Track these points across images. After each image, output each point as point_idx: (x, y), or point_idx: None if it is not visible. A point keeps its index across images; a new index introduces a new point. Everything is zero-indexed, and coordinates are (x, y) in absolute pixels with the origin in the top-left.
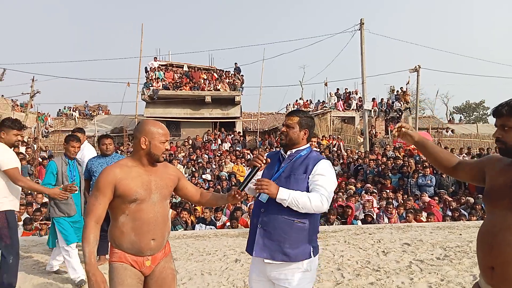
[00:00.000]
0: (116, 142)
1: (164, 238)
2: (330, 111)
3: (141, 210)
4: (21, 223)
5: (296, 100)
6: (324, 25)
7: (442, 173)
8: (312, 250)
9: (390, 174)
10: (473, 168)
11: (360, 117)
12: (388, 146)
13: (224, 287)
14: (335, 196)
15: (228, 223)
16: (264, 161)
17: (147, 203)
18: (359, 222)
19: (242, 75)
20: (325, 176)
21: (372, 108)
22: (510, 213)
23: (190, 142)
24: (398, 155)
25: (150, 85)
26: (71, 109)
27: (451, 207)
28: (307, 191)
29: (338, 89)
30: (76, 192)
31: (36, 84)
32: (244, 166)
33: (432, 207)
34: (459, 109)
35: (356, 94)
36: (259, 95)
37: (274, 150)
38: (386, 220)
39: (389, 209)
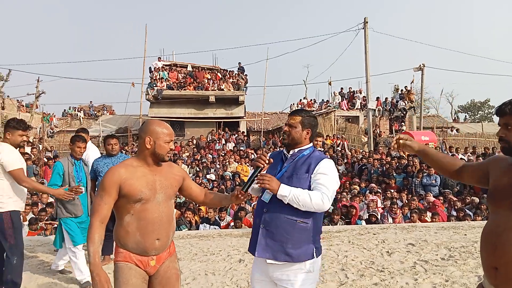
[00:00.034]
0: (120, 142)
1: (169, 238)
2: (334, 110)
3: (146, 210)
4: (26, 223)
5: (300, 100)
6: (328, 24)
7: (449, 177)
8: (314, 250)
9: (394, 174)
10: (477, 171)
11: (364, 116)
12: None
13: (228, 287)
14: (339, 196)
15: (232, 223)
16: (267, 161)
17: (152, 203)
18: (363, 222)
19: (246, 75)
20: (327, 175)
21: (377, 107)
22: None
23: (194, 142)
24: (403, 155)
25: (154, 85)
26: (76, 110)
27: (456, 207)
28: (309, 190)
29: (342, 88)
30: (82, 193)
31: (41, 84)
32: (248, 166)
33: (437, 207)
34: (464, 108)
35: (360, 93)
36: (263, 94)
37: (277, 150)
38: (390, 220)
39: (393, 209)
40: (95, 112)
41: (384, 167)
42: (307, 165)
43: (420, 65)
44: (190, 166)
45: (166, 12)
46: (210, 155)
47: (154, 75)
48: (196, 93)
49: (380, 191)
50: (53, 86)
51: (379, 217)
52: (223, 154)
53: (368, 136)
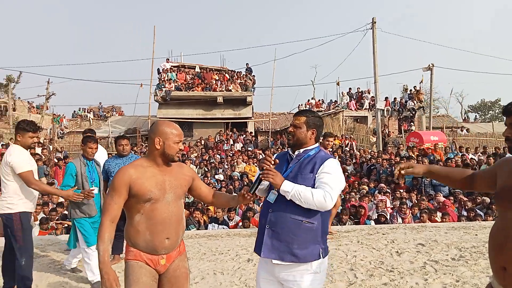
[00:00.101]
0: (129, 143)
1: (179, 237)
2: (343, 110)
3: (156, 209)
4: (37, 222)
5: (308, 100)
6: (336, 24)
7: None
8: (321, 251)
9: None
10: (487, 176)
11: (372, 116)
12: (402, 145)
13: (236, 287)
14: (347, 196)
15: (241, 223)
16: (273, 162)
17: (161, 202)
18: (372, 222)
19: (253, 76)
20: (330, 174)
21: (385, 107)
22: None
23: (203, 142)
24: (412, 155)
25: (163, 86)
26: (86, 111)
27: (466, 207)
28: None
29: (350, 88)
30: (94, 197)
31: (51, 86)
32: (256, 166)
33: (447, 207)
34: (474, 107)
35: (369, 93)
36: (270, 95)
37: (284, 150)
38: (399, 220)
39: (402, 209)
40: (105, 113)
41: (393, 167)
42: (312, 165)
43: (429, 65)
44: (198, 167)
45: (175, 13)
46: (218, 156)
47: (163, 76)
48: (204, 94)
49: (389, 191)
50: (63, 87)
51: (388, 217)
52: (231, 155)
53: (377, 136)
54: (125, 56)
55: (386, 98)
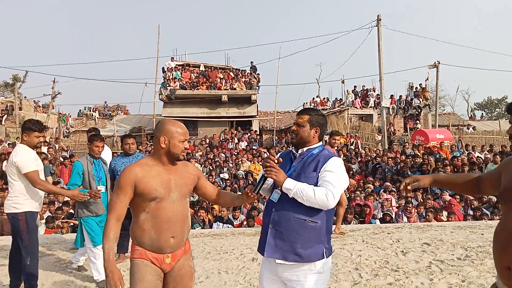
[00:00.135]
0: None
1: (184, 236)
2: (348, 108)
3: (161, 208)
4: (43, 221)
5: (313, 98)
6: (341, 22)
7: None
8: (325, 250)
9: (409, 172)
10: (492, 178)
11: (378, 114)
12: (407, 144)
13: (241, 286)
14: (352, 195)
15: (246, 222)
16: (276, 161)
17: (166, 201)
18: (378, 221)
19: (258, 74)
20: (333, 173)
21: (391, 105)
22: None
23: (207, 141)
24: (418, 153)
25: (168, 85)
26: (91, 110)
27: (472, 206)
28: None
29: (355, 86)
30: (101, 197)
31: (57, 85)
32: (260, 164)
33: (453, 206)
34: (481, 105)
35: (374, 91)
36: (275, 93)
37: (288, 149)
38: (405, 219)
39: (408, 208)
40: (110, 112)
41: (399, 166)
42: (315, 163)
43: (435, 62)
44: (203, 165)
45: (179, 12)
46: (223, 154)
47: (167, 75)
48: (209, 92)
49: (394, 190)
50: (68, 87)
51: (393, 216)
52: (236, 153)
53: (382, 134)
54: (130, 55)
55: (392, 96)
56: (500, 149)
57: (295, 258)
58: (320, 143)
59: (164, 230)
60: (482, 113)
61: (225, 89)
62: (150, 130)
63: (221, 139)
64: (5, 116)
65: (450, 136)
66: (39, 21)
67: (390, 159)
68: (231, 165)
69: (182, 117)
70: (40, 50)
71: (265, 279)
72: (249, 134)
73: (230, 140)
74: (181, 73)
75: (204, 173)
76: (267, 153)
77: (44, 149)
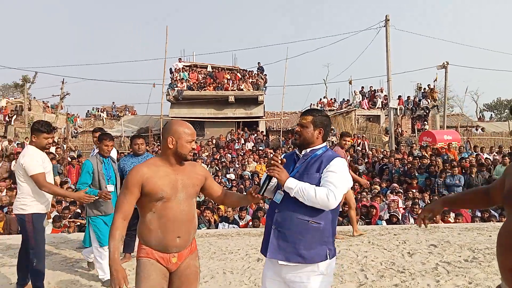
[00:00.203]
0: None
1: (190, 236)
2: (355, 109)
3: (168, 208)
4: (50, 220)
5: (320, 99)
6: (348, 22)
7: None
8: (328, 252)
9: (416, 174)
10: (498, 186)
11: (385, 115)
12: (415, 145)
13: (245, 286)
14: (359, 196)
15: (251, 223)
16: (280, 162)
17: (173, 201)
18: (384, 223)
19: (265, 75)
20: (335, 173)
21: (398, 106)
22: None
23: (214, 141)
24: (425, 154)
25: (175, 85)
26: (99, 110)
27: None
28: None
29: (363, 87)
30: (111, 198)
31: (66, 86)
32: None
33: None
34: (490, 106)
35: (382, 92)
36: (282, 94)
37: (293, 150)
38: (411, 220)
39: (415, 209)
40: (118, 113)
41: (406, 167)
42: (318, 164)
43: (443, 63)
44: (209, 166)
45: (186, 12)
46: (229, 155)
47: (175, 76)
48: (216, 93)
49: (401, 191)
50: (77, 87)
51: (400, 217)
52: (242, 154)
53: (389, 135)
54: (138, 56)
55: (399, 97)
56: (509, 150)
57: (298, 259)
58: (324, 144)
59: (170, 230)
60: (491, 114)
61: (232, 90)
62: (157, 131)
63: (227, 139)
64: (15, 117)
65: (458, 137)
66: (49, 22)
67: (397, 160)
68: (237, 165)
69: (189, 118)
70: (49, 51)
71: (268, 280)
72: (255, 135)
73: (237, 141)
74: (188, 74)
75: (211, 174)
76: (274, 154)
77: (52, 149)
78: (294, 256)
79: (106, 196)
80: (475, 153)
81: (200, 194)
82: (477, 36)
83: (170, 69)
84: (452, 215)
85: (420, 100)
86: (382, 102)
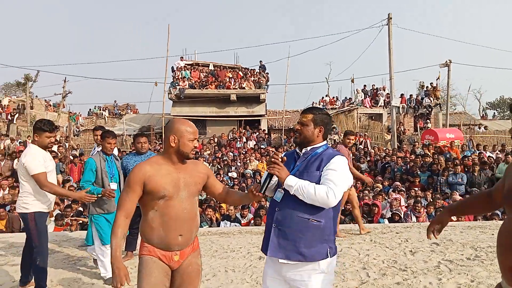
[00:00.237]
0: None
1: (192, 234)
2: (357, 108)
3: (169, 206)
4: (52, 218)
5: (322, 97)
6: (350, 20)
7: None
8: (329, 250)
9: (419, 172)
10: (499, 188)
11: (387, 113)
12: (417, 143)
13: (247, 284)
14: (361, 194)
15: (253, 221)
16: (280, 160)
17: (175, 199)
18: (386, 221)
19: (267, 73)
20: (335, 171)
21: (401, 105)
22: None
23: (216, 140)
24: (428, 153)
25: (177, 84)
26: (101, 109)
27: None
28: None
29: (365, 85)
30: (114, 197)
31: (68, 84)
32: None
33: None
34: (493, 104)
35: (384, 90)
36: (284, 92)
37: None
38: (414, 219)
39: (417, 207)
40: (119, 111)
41: (408, 165)
42: (318, 162)
43: (446, 61)
44: (211, 164)
45: (188, 11)
46: (231, 153)
47: (177, 75)
48: (218, 92)
49: (403, 189)
50: (79, 86)
51: (402, 215)
52: (244, 152)
53: (392, 133)
54: (140, 55)
55: (402, 95)
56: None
57: (298, 258)
58: (325, 142)
59: (172, 228)
60: (494, 113)
61: (234, 89)
62: (159, 129)
63: (229, 138)
64: (17, 115)
65: (460, 136)
66: (51, 22)
67: (400, 159)
68: (239, 164)
69: (191, 116)
70: (51, 50)
71: (268, 278)
72: (257, 133)
73: (239, 139)
74: (190, 72)
75: (212, 172)
76: (274, 152)
77: (54, 147)
78: (294, 254)
79: (110, 194)
80: (477, 151)
81: (202, 192)
82: (478, 35)
83: (172, 67)
84: None
85: (422, 98)
86: (384, 100)
